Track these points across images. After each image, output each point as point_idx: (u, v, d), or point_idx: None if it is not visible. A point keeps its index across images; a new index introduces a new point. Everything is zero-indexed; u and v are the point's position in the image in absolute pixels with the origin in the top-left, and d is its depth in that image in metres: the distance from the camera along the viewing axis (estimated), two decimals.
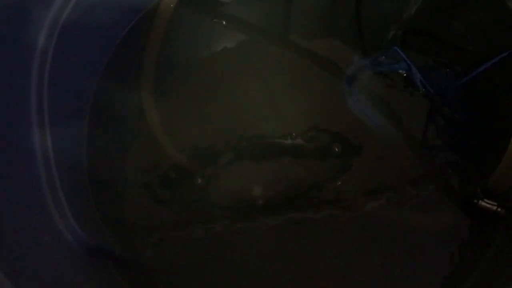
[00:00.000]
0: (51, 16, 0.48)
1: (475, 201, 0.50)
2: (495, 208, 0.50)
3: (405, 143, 0.56)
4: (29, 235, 0.42)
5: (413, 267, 0.51)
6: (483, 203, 0.50)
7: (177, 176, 0.55)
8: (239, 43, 0.61)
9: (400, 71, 0.59)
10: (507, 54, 0.52)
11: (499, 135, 0.54)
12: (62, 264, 0.42)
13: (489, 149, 0.55)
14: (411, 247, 0.52)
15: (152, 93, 0.58)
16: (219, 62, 0.60)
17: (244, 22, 0.63)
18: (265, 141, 0.56)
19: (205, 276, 0.51)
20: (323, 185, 0.54)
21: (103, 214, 0.53)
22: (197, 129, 0.57)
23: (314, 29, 0.62)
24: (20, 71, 0.46)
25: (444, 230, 0.52)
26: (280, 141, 0.56)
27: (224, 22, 0.62)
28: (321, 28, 0.62)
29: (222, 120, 0.58)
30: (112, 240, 0.52)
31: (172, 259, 0.52)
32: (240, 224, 0.53)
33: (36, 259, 0.39)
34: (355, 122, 0.57)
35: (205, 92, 0.59)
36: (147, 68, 0.59)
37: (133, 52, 0.59)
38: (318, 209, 0.53)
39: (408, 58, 0.57)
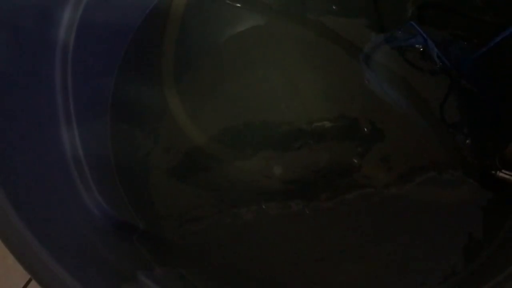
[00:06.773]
0: (69, 13, 0.49)
1: (493, 172, 0.50)
2: None
3: (424, 117, 0.56)
4: (62, 212, 0.45)
5: (433, 240, 0.51)
6: (501, 174, 0.50)
7: (199, 160, 0.56)
8: (256, 26, 0.61)
9: (417, 45, 0.58)
10: None
11: None
12: (90, 236, 0.45)
13: (507, 121, 0.54)
14: (430, 220, 0.52)
15: (173, 81, 0.59)
16: (237, 47, 0.61)
17: (260, 4, 0.63)
18: (286, 124, 0.57)
19: (224, 252, 0.53)
20: (344, 166, 0.55)
21: (129, 195, 0.55)
22: (218, 114, 0.58)
23: (330, 7, 0.62)
24: (45, 67, 0.48)
25: (463, 202, 0.52)
26: (301, 124, 0.57)
27: (239, 5, 0.62)
28: (337, 6, 0.62)
29: (243, 104, 0.58)
30: (137, 216, 0.54)
31: (192, 234, 0.54)
32: (261, 206, 0.54)
33: (67, 231, 0.42)
34: (373, 100, 0.57)
35: (225, 77, 0.59)
36: (167, 55, 0.60)
37: (151, 42, 0.60)
38: (339, 190, 0.54)
39: (424, 32, 0.57)
